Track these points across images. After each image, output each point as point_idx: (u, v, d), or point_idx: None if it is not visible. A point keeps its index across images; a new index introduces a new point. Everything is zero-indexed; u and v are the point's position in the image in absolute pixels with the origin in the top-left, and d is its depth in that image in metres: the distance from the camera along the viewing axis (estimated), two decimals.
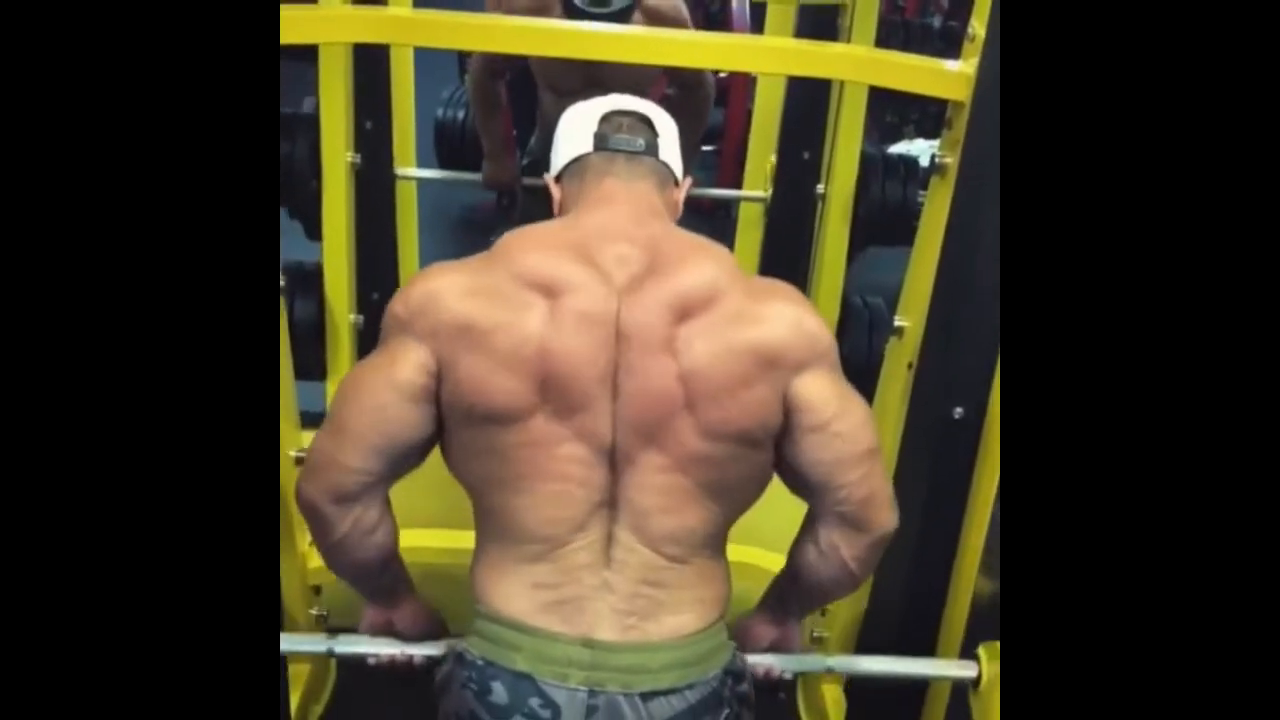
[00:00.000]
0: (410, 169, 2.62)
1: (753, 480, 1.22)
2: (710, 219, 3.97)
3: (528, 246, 1.18)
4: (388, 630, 1.35)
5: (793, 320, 1.18)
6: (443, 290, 1.15)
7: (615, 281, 1.14)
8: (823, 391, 1.18)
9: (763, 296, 1.19)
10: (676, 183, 1.29)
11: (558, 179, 1.28)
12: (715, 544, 1.23)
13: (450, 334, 1.13)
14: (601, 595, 1.17)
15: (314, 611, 1.87)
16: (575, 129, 1.26)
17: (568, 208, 1.25)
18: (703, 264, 1.18)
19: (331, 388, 2.43)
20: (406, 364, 1.14)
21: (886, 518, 1.22)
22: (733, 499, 1.21)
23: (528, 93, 2.83)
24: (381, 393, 1.15)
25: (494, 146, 2.77)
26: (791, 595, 1.34)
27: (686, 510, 1.17)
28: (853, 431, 1.19)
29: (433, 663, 1.31)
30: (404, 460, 1.19)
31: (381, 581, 1.30)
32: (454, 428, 1.17)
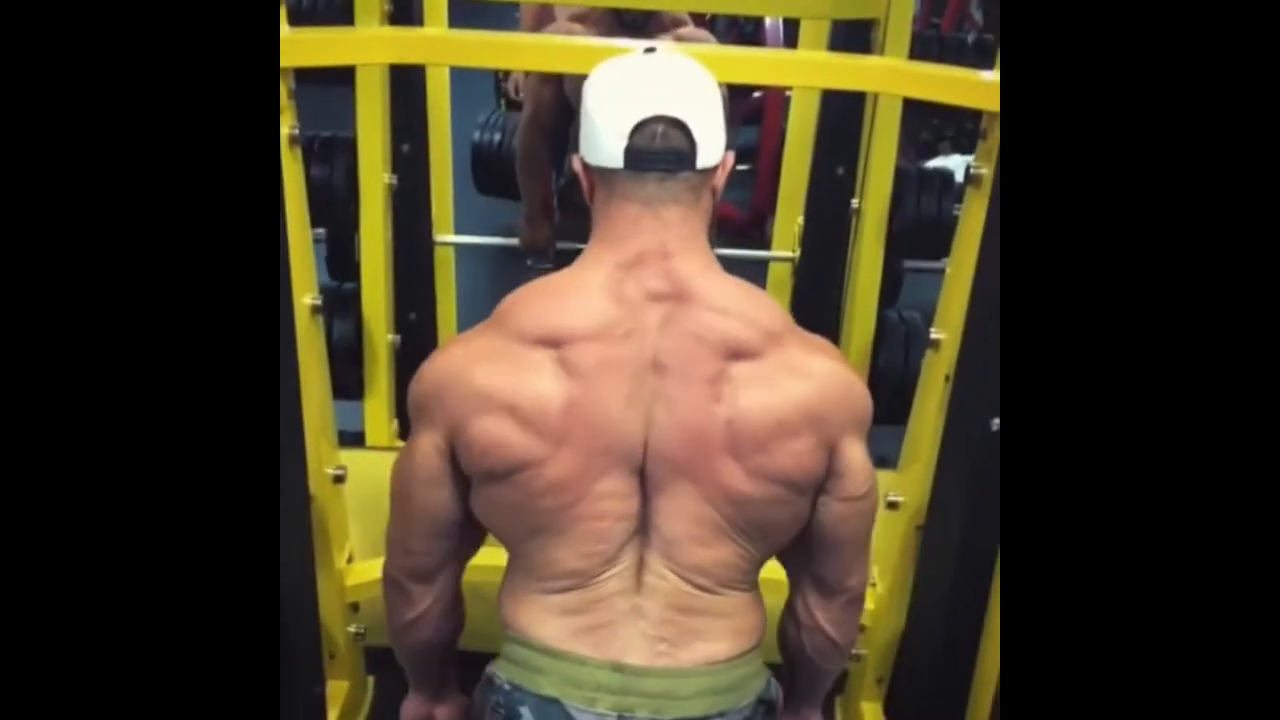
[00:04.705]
0: (449, 235, 2.64)
1: (791, 522, 1.20)
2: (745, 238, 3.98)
3: (528, 303, 1.16)
4: None
5: (845, 382, 1.17)
6: (450, 368, 1.16)
7: (646, 314, 1.12)
8: (860, 463, 1.18)
9: (814, 352, 1.17)
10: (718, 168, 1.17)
11: (586, 167, 1.18)
12: (748, 579, 1.21)
13: (462, 406, 1.13)
14: (632, 620, 1.15)
15: (352, 629, 1.87)
16: (606, 123, 1.14)
17: (596, 213, 1.19)
18: (752, 308, 1.15)
19: (369, 406, 2.45)
20: (422, 452, 1.17)
21: (862, 582, 1.26)
22: (767, 539, 1.20)
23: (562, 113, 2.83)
24: (409, 484, 1.19)
25: (533, 210, 2.76)
26: (793, 681, 1.36)
27: (718, 544, 1.15)
28: (870, 512, 1.22)
29: None
30: (464, 533, 1.22)
31: (437, 669, 1.36)
32: (479, 486, 1.17)
